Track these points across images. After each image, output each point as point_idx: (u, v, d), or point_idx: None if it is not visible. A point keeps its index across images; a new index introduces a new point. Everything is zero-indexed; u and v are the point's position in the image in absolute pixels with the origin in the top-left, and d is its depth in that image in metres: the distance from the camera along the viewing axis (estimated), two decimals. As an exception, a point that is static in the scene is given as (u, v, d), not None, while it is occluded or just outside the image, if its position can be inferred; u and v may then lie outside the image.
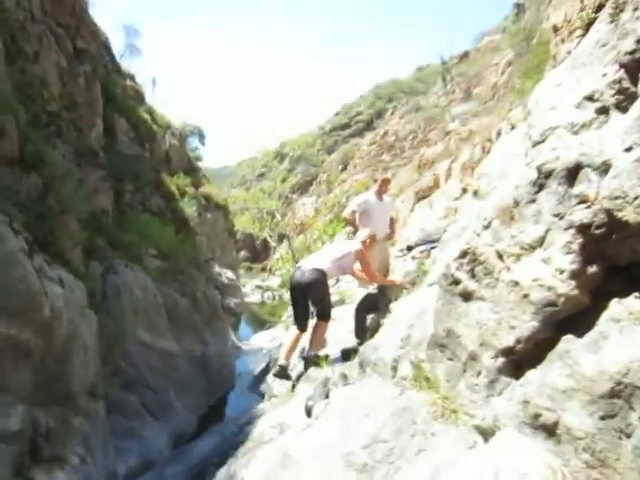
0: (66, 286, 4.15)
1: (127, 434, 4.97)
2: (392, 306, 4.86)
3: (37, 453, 3.25)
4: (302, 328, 4.94)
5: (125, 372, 5.71)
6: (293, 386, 4.94)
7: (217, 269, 14.07)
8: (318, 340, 4.91)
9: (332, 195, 33.60)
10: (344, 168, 40.92)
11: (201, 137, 30.53)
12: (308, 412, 3.33)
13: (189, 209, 12.46)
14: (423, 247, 6.39)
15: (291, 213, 33.83)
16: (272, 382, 6.16)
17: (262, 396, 6.90)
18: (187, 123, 27.60)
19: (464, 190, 12.65)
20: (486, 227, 2.45)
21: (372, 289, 5.46)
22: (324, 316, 4.87)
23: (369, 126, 47.47)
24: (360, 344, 5.00)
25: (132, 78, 14.02)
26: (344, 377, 3.72)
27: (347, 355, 4.87)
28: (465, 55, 38.60)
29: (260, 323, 16.38)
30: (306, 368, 4.85)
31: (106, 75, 10.56)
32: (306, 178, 43.24)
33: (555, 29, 12.29)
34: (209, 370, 7.92)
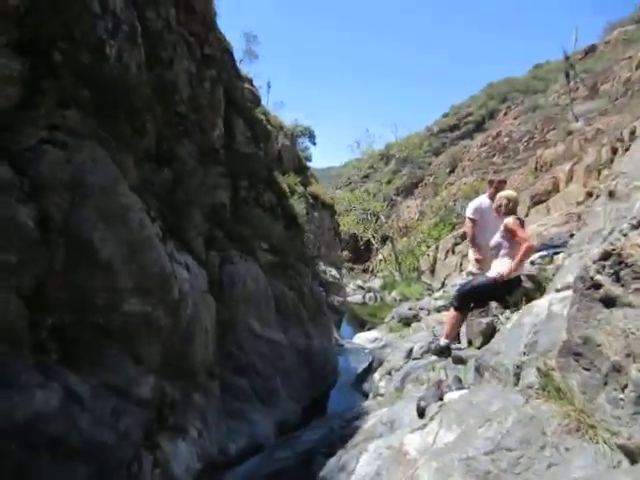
0: (191, 271, 4.46)
1: (237, 415, 5.21)
2: (509, 312, 4.60)
3: (163, 421, 3.53)
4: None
5: (237, 357, 6.00)
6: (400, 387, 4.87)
7: (322, 267, 14.32)
8: None
9: (438, 198, 32.70)
10: (452, 170, 39.63)
11: (311, 137, 31.31)
12: (421, 413, 3.25)
13: (298, 207, 12.83)
14: (544, 252, 5.95)
15: (395, 215, 33.46)
16: (378, 381, 6.13)
17: (365, 395, 6.89)
18: (298, 124, 28.49)
19: (589, 194, 11.59)
20: (636, 227, 2.20)
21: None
22: None
23: (479, 127, 45.48)
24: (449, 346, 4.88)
25: (250, 81, 14.76)
26: (458, 380, 3.57)
27: (458, 359, 4.69)
28: (591, 49, 35.54)
29: (360, 323, 16.36)
30: None
31: (228, 79, 11.21)
32: (412, 180, 42.50)
33: None
34: (313, 364, 8.03)
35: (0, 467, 2.47)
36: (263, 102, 16.54)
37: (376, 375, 6.69)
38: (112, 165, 3.41)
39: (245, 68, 18.86)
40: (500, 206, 4.96)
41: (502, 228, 4.76)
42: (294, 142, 17.06)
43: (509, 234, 4.71)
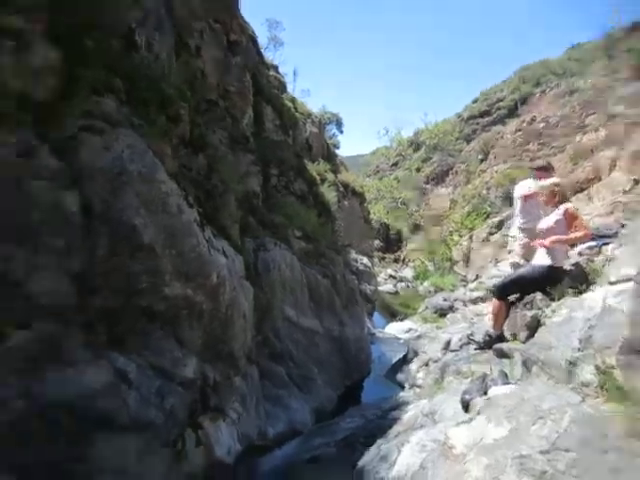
0: (229, 257, 4.46)
1: (275, 401, 5.24)
2: (555, 305, 4.43)
3: (205, 402, 3.57)
4: None
5: (273, 344, 6.02)
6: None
7: (353, 255, 14.23)
8: None
9: (470, 186, 32.07)
10: (484, 158, 38.72)
11: (339, 125, 31.16)
12: (465, 406, 3.18)
13: (329, 194, 12.74)
14: (593, 243, 5.69)
15: (425, 204, 33.02)
16: (415, 372, 6.04)
17: (400, 386, 6.82)
18: (326, 111, 28.34)
19: (636, 181, 11.13)
20: None
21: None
22: None
23: (512, 113, 44.17)
24: (499, 338, 4.76)
25: (275, 69, 14.66)
26: (504, 375, 3.48)
27: (501, 353, 4.57)
28: (636, 27, 34.00)
29: (391, 313, 16.21)
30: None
31: (254, 66, 11.16)
32: (442, 168, 41.77)
33: None
34: (346, 352, 7.98)
35: (53, 436, 2.59)
36: (289, 90, 16.48)
37: (412, 366, 6.61)
38: (149, 152, 3.42)
39: (270, 55, 18.79)
40: (554, 193, 4.85)
41: (560, 212, 4.64)
42: (322, 129, 16.93)
43: (568, 220, 4.61)
